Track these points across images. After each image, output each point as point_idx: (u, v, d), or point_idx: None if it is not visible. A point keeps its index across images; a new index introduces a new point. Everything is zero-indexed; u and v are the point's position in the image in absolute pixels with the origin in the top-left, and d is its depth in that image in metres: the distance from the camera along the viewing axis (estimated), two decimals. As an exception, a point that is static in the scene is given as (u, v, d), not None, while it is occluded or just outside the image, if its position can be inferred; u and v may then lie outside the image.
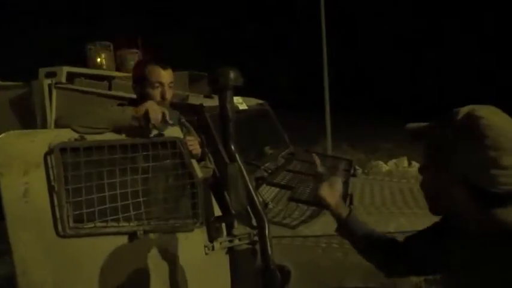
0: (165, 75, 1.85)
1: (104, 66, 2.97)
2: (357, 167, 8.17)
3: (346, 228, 1.18)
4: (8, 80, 2.90)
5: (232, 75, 2.02)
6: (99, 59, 2.96)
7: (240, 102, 2.95)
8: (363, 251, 1.18)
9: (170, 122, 1.59)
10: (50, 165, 1.38)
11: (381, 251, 1.13)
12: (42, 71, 2.54)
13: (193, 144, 1.83)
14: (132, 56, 3.22)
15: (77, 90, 2.43)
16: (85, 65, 2.94)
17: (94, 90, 2.42)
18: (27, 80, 2.53)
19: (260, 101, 3.45)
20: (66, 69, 2.53)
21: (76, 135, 1.45)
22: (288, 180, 2.59)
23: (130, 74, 2.73)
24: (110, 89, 2.46)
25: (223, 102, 2.01)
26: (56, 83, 2.45)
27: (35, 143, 1.37)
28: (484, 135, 0.75)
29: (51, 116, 2.41)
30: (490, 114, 0.78)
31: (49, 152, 1.38)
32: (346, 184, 2.63)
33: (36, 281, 1.32)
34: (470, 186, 0.77)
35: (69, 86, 2.49)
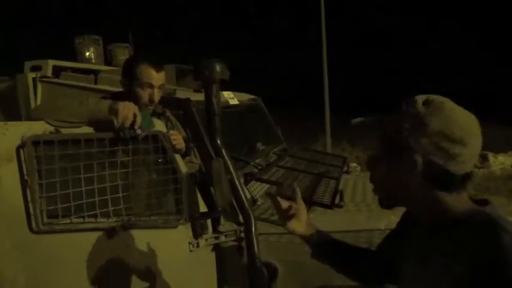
0: (157, 78, 1.79)
1: (93, 60, 2.92)
2: (355, 165, 8.14)
3: (319, 250, 1.17)
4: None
5: (218, 68, 1.97)
6: (87, 53, 2.91)
7: (231, 97, 2.89)
8: (342, 269, 1.17)
9: (138, 131, 1.51)
10: (22, 159, 1.33)
11: (357, 265, 1.12)
12: (28, 65, 2.49)
13: (177, 138, 1.78)
14: (122, 51, 3.16)
15: (62, 84, 2.38)
16: (74, 59, 2.89)
17: (79, 84, 2.37)
18: (12, 74, 2.49)
19: (252, 96, 3.40)
20: (51, 62, 2.48)
21: (51, 128, 1.40)
22: (278, 177, 2.54)
23: (118, 68, 2.67)
24: (96, 83, 2.41)
25: (209, 96, 1.95)
26: (41, 77, 2.41)
27: (7, 136, 1.32)
28: (449, 116, 0.77)
29: (36, 110, 2.36)
30: (446, 101, 0.81)
31: (22, 145, 1.33)
32: (337, 181, 2.59)
33: (7, 279, 1.27)
34: (426, 171, 0.79)
35: (55, 79, 2.44)
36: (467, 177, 0.79)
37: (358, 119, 0.93)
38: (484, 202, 0.82)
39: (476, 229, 0.74)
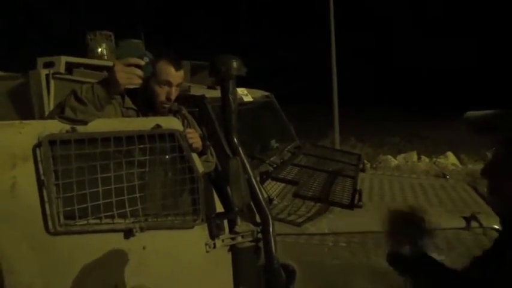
0: (176, 76, 1.75)
1: (105, 56, 2.88)
2: (365, 162, 8.08)
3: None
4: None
5: (234, 64, 1.93)
6: (99, 49, 2.87)
7: (245, 94, 2.85)
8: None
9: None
10: (38, 159, 1.29)
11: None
12: (41, 61, 2.45)
13: (194, 137, 1.73)
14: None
15: (75, 81, 2.34)
16: (86, 55, 2.86)
17: (92, 80, 2.33)
18: (24, 70, 2.45)
19: (266, 93, 3.35)
20: (64, 59, 2.44)
21: (67, 127, 1.36)
22: (294, 175, 2.49)
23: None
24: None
25: (226, 93, 1.91)
26: (53, 73, 2.37)
27: (23, 135, 1.29)
28: None
29: (49, 107, 2.33)
30: None
31: (38, 145, 1.30)
32: (354, 179, 2.53)
33: (23, 281, 1.25)
34: None
35: (68, 76, 2.41)
36: None
37: (473, 113, 0.77)
38: None
39: None
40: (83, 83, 2.35)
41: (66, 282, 1.35)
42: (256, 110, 3.08)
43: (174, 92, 1.75)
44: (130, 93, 1.81)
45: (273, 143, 3.04)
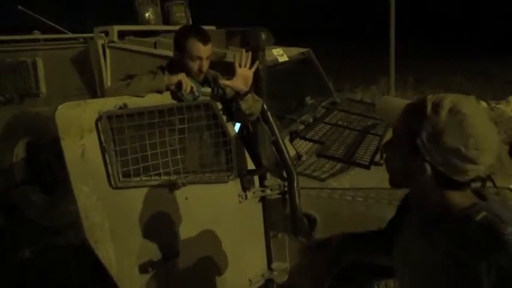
0: (205, 50, 1.95)
1: (152, 21, 3.13)
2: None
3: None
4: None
5: (263, 36, 2.11)
6: (147, 14, 3.11)
7: (281, 54, 2.98)
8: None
9: (196, 94, 1.77)
10: (100, 130, 1.62)
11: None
12: (97, 30, 2.76)
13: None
14: (178, 8, 3.33)
15: (127, 50, 2.64)
16: (135, 21, 3.13)
17: (142, 49, 2.62)
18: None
19: (303, 50, 3.44)
20: (116, 28, 2.72)
21: (120, 103, 1.67)
22: (323, 134, 2.69)
23: (175, 27, 2.82)
24: (155, 47, 2.64)
25: (255, 63, 2.11)
26: (108, 42, 2.68)
27: (87, 112, 1.61)
28: (468, 134, 0.81)
29: (107, 74, 2.67)
30: (473, 111, 0.82)
31: (99, 119, 1.62)
32: (381, 138, 2.67)
33: (96, 223, 1.63)
34: (434, 176, 0.85)
35: (120, 45, 2.70)
36: (476, 179, 0.85)
37: (391, 99, 0.99)
38: (482, 196, 0.88)
39: (475, 227, 0.82)
40: (134, 52, 2.66)
41: (126, 224, 1.74)
42: (293, 68, 3.21)
43: (205, 64, 1.98)
44: (170, 66, 2.07)
45: (308, 100, 3.20)
